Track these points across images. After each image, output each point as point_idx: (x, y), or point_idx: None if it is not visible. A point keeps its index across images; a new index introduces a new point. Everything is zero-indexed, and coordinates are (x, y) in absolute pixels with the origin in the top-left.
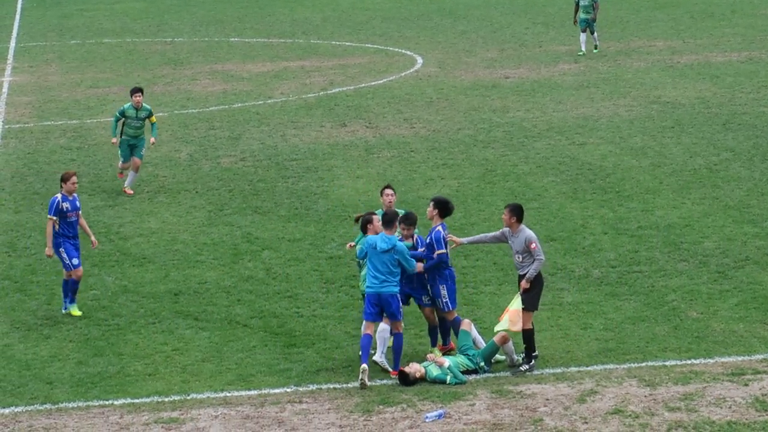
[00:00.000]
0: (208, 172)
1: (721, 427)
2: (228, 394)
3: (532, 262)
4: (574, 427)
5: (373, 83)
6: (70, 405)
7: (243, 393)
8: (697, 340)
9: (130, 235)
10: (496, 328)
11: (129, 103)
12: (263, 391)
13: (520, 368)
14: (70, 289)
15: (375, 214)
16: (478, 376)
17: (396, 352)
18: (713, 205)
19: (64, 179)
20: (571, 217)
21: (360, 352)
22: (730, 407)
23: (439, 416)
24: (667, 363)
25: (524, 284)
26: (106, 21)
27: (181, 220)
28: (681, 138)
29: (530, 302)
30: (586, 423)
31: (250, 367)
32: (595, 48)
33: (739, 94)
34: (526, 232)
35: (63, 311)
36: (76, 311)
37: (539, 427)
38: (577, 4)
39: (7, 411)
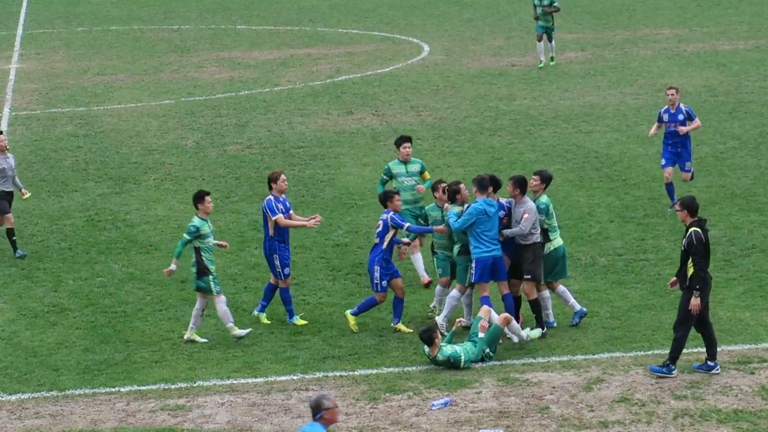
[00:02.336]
0: (215, 159)
1: (728, 416)
2: (234, 382)
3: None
4: (580, 416)
5: (379, 71)
6: (77, 392)
7: (249, 380)
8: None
9: (136, 222)
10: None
11: (394, 160)
12: (270, 379)
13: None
14: (282, 298)
15: (461, 182)
16: (484, 364)
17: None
18: (719, 194)
19: (273, 179)
20: (577, 205)
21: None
22: (736, 395)
23: (446, 404)
24: None
25: (499, 237)
26: (112, 8)
27: (187, 207)
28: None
29: (533, 272)
30: (593, 411)
31: (257, 355)
32: (552, 60)
33: (745, 82)
34: (526, 204)
35: (289, 321)
36: (300, 321)
37: (545, 415)
38: (535, 7)
39: (13, 398)
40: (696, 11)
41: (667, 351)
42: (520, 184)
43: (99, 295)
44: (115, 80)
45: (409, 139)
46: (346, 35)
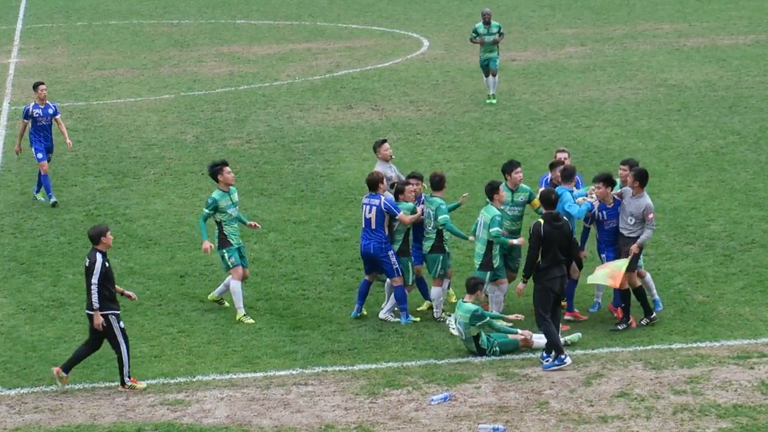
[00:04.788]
0: (215, 154)
1: (727, 410)
2: (234, 376)
3: (642, 229)
4: (579, 410)
5: (379, 66)
6: (76, 386)
7: (249, 375)
8: (703, 324)
9: (136, 217)
10: (590, 280)
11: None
12: (269, 373)
13: (641, 322)
14: (396, 297)
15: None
16: (483, 359)
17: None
18: (719, 189)
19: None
20: None
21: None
22: (735, 390)
23: (445, 399)
24: (672, 346)
25: (635, 249)
26: (112, 2)
27: (187, 202)
28: (687, 121)
29: (635, 263)
30: (592, 406)
31: (256, 350)
32: (493, 97)
33: (745, 77)
34: (647, 199)
35: (404, 321)
36: (415, 318)
37: (545, 410)
38: (476, 36)
39: (13, 392)
40: (696, 6)
41: (667, 346)
42: (641, 177)
43: None
44: (115, 75)
45: (519, 165)
46: (345, 30)
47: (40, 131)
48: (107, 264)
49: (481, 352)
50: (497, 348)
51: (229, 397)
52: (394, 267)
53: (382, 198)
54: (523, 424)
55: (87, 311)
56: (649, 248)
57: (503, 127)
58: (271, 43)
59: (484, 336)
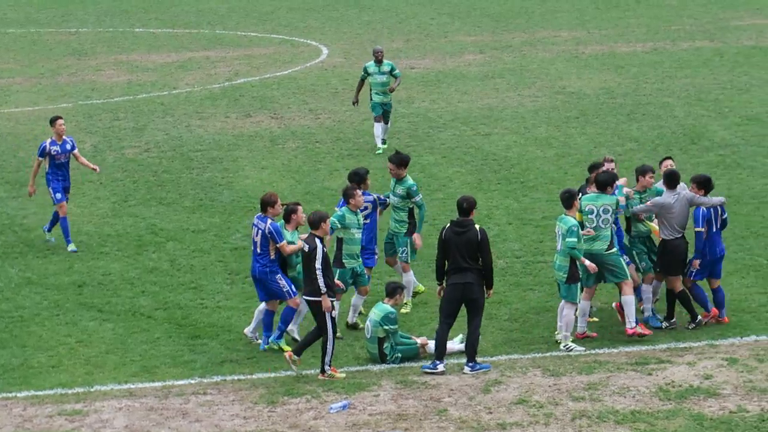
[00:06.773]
0: (113, 163)
1: (625, 417)
2: (132, 386)
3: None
4: (478, 417)
5: (278, 74)
6: None
7: (147, 385)
8: (601, 330)
9: (33, 226)
10: None
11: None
12: (167, 383)
13: (688, 326)
14: (282, 318)
15: (299, 204)
16: (382, 366)
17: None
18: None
19: (271, 203)
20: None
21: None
22: (633, 396)
23: (344, 407)
24: (571, 353)
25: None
26: (9, 11)
27: (85, 211)
28: (585, 128)
29: (668, 267)
30: (491, 413)
31: (155, 359)
32: (383, 142)
33: (643, 84)
34: (663, 197)
35: (274, 340)
36: (286, 347)
37: (444, 418)
38: (363, 79)
39: None
40: (594, 13)
41: (565, 353)
42: (667, 177)
43: None
44: (12, 83)
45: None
46: (244, 38)
47: (58, 169)
48: (325, 249)
49: (382, 357)
50: (399, 355)
51: (128, 407)
52: (284, 290)
53: (268, 222)
54: (422, 431)
55: (306, 297)
56: (548, 255)
57: (402, 135)
58: (170, 52)
59: (388, 344)
